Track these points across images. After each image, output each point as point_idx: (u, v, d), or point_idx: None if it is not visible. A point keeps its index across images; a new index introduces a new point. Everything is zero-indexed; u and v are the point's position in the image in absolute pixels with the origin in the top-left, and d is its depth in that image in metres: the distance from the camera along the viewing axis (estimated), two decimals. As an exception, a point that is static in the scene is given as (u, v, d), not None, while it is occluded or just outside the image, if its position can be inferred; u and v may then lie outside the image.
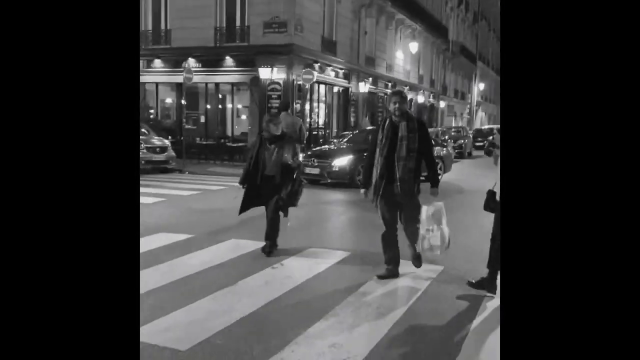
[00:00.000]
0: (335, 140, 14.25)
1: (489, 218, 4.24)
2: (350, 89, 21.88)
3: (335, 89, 21.46)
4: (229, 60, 17.63)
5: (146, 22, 18.96)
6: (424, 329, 3.46)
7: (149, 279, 4.26)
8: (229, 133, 19.12)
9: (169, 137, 17.02)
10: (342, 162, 11.48)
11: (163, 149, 14.28)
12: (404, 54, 28.47)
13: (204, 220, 7.22)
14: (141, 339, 3.12)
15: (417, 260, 4.64)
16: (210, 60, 17.75)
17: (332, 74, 20.32)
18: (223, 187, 10.89)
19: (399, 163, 4.28)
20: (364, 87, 22.36)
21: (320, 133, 20.37)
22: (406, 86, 28.49)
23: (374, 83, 24.59)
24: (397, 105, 4.31)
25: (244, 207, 5.46)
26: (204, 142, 18.30)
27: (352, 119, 21.94)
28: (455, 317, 3.68)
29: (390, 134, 4.34)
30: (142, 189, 10.32)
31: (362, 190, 4.72)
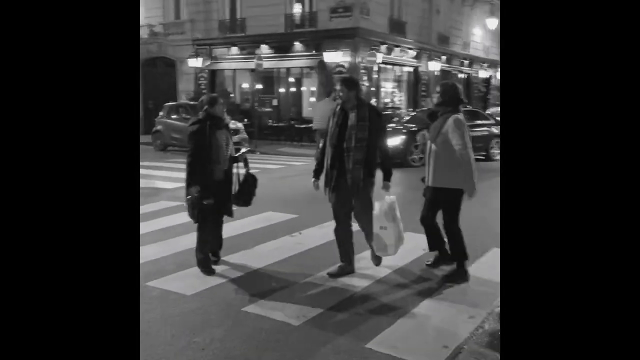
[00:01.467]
0: (394, 121, 14.64)
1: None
2: (419, 68, 21.91)
3: (405, 69, 21.61)
4: (298, 46, 18.51)
5: (224, 12, 20.32)
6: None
7: (185, 242, 5.26)
8: (303, 115, 20.14)
9: (245, 120, 18.39)
10: (394, 141, 11.94)
11: (236, 132, 15.54)
12: (483, 31, 27.66)
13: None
14: (157, 286, 4.10)
15: (376, 259, 4.49)
16: (282, 46, 18.74)
17: (401, 54, 20.50)
18: (282, 166, 11.87)
19: (348, 154, 4.04)
20: (435, 66, 22.25)
21: (390, 113, 20.72)
22: (484, 62, 27.74)
23: (448, 61, 24.31)
24: (342, 94, 4.12)
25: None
26: (276, 124, 19.44)
27: (422, 99, 22.00)
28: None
29: (340, 122, 4.12)
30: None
31: (312, 180, 4.40)
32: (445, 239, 4.41)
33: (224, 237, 5.45)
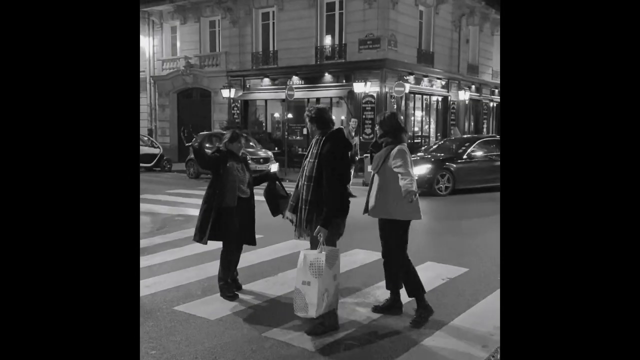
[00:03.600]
0: (422, 149, 14.78)
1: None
2: (449, 98, 22.03)
3: (434, 99, 21.77)
4: (327, 77, 18.98)
5: (257, 45, 21.07)
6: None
7: (213, 268, 5.50)
8: (331, 143, 20.43)
9: (275, 148, 18.85)
10: (421, 170, 12.04)
11: (266, 160, 15.96)
12: (514, 59, 27.63)
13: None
14: (183, 310, 4.33)
15: (312, 329, 3.81)
16: (312, 76, 19.25)
17: (429, 84, 20.71)
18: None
19: (301, 192, 3.86)
20: (465, 95, 22.34)
21: (419, 142, 20.85)
22: (515, 91, 27.58)
23: (478, 90, 24.36)
24: (308, 125, 3.95)
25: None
26: (303, 152, 19.76)
27: (451, 127, 22.04)
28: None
29: (313, 153, 3.83)
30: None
31: (287, 214, 4.06)
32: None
33: (251, 264, 5.63)
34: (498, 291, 4.78)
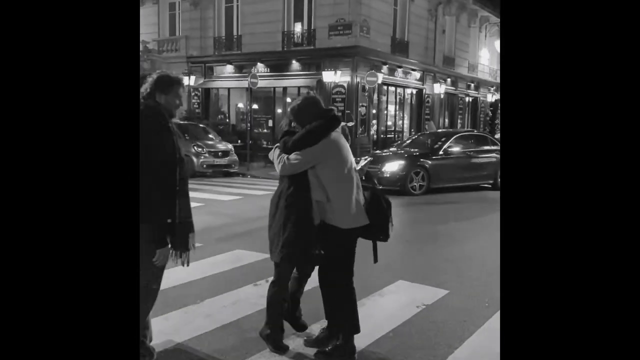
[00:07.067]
0: (395, 144, 13.64)
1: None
2: (424, 91, 20.99)
3: (408, 91, 20.70)
4: (295, 65, 17.66)
5: (219, 29, 19.58)
6: None
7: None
8: (299, 137, 19.19)
9: (239, 141, 17.43)
10: (392, 167, 10.89)
11: (225, 153, 14.56)
12: (490, 53, 26.85)
13: (220, 227, 7.13)
14: None
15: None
16: (279, 64, 17.91)
17: (403, 75, 19.60)
18: (267, 192, 10.79)
19: None
20: (440, 89, 21.34)
21: (392, 137, 19.75)
22: (492, 86, 26.85)
23: (454, 84, 23.42)
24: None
25: None
26: (271, 147, 18.48)
27: (425, 122, 21.04)
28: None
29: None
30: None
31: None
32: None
33: (179, 284, 4.38)
34: (487, 325, 3.69)
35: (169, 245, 2.59)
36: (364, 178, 3.24)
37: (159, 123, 2.58)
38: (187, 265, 2.76)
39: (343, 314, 3.14)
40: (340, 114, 15.97)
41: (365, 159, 3.34)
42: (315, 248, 2.99)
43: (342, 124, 3.18)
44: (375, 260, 3.18)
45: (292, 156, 2.97)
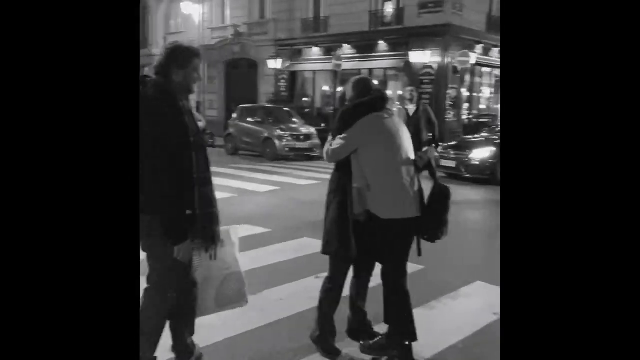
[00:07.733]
0: (487, 129, 12.64)
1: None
2: (523, 72, 19.43)
3: (505, 72, 19.27)
4: (382, 45, 17.00)
5: (307, 11, 19.37)
6: None
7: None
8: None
9: (322, 125, 17.24)
10: (482, 153, 10.09)
11: (307, 137, 14.41)
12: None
13: (291, 213, 6.93)
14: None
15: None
16: (366, 45, 17.34)
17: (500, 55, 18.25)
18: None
19: None
20: (541, 70, 19.64)
21: (486, 121, 18.52)
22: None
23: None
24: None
25: None
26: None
27: (523, 106, 19.51)
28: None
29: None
30: (263, 176, 10.55)
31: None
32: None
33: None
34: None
35: (189, 240, 2.32)
36: (421, 167, 2.85)
37: (167, 104, 2.31)
38: (215, 259, 2.52)
39: (395, 317, 2.83)
40: (426, 96, 15.05)
41: (426, 148, 3.02)
42: (353, 239, 2.72)
43: (400, 107, 2.89)
44: (419, 254, 2.86)
45: (335, 141, 2.78)
